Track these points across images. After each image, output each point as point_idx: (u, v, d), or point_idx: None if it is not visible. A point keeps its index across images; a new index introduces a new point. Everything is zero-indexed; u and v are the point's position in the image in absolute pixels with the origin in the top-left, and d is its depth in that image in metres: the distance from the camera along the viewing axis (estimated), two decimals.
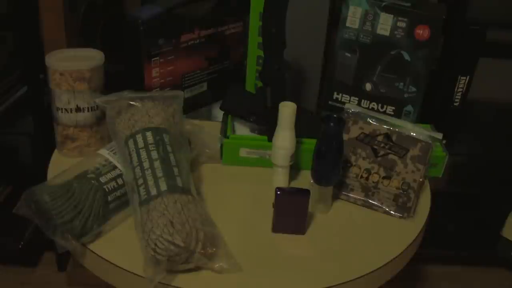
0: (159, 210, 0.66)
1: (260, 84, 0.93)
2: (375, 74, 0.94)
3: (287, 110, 0.78)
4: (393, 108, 0.95)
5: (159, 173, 0.70)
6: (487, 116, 1.43)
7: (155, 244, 0.64)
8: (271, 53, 0.83)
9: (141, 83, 0.94)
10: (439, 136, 0.88)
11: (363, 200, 0.82)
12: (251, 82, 1.00)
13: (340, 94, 0.97)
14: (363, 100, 0.96)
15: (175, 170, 0.71)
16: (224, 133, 0.89)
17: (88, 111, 0.85)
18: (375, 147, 0.84)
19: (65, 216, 0.68)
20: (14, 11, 1.07)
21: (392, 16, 0.89)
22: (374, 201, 0.82)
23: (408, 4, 0.89)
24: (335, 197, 0.83)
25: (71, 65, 0.82)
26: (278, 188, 0.73)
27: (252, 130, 0.94)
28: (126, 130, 0.75)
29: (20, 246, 1.26)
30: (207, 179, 0.85)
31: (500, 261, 1.50)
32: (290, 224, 0.75)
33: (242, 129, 0.94)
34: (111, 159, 0.75)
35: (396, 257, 0.73)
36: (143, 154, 0.72)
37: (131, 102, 0.77)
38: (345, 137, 0.85)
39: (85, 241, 0.70)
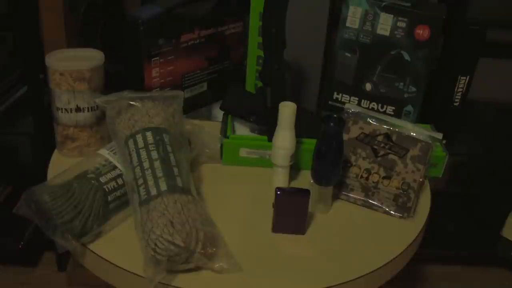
0: (159, 210, 0.66)
1: (260, 84, 0.93)
2: (375, 74, 0.94)
3: (287, 110, 0.78)
4: (393, 108, 0.95)
5: (159, 173, 0.70)
6: (487, 116, 1.43)
7: (155, 244, 0.64)
8: (271, 53, 0.83)
9: (141, 83, 0.94)
10: (439, 136, 0.88)
11: (363, 200, 0.82)
12: (251, 82, 1.00)
13: (340, 94, 0.97)
14: (363, 100, 0.96)
15: (175, 170, 0.71)
16: (224, 133, 0.89)
17: (88, 111, 0.85)
18: (375, 147, 0.84)
19: (65, 216, 0.68)
20: (14, 11, 1.07)
21: (392, 16, 0.89)
22: (374, 201, 0.82)
23: (408, 4, 0.89)
24: (335, 197, 0.83)
25: (71, 65, 0.82)
26: (278, 188, 0.73)
27: (252, 130, 0.94)
28: (126, 130, 0.75)
29: (20, 246, 1.26)
30: (207, 179, 0.85)
31: (500, 261, 1.50)
32: (290, 224, 0.75)
33: (242, 129, 0.94)
34: (111, 159, 0.75)
35: (396, 257, 0.73)
36: (143, 154, 0.72)
37: (131, 102, 0.77)
38: (345, 137, 0.85)
39: (85, 241, 0.70)
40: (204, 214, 0.70)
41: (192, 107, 1.04)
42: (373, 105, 0.96)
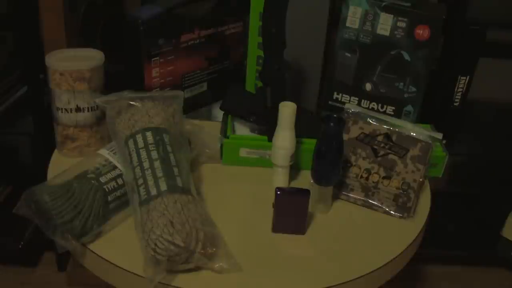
0: (159, 210, 0.66)
1: (260, 84, 0.93)
2: (375, 74, 0.94)
3: (287, 110, 0.78)
4: (393, 108, 0.95)
5: (159, 173, 0.70)
6: (487, 116, 1.43)
7: (155, 244, 0.64)
8: (271, 53, 0.83)
9: (141, 83, 0.94)
10: (439, 136, 0.88)
11: (363, 200, 0.82)
12: (251, 82, 1.00)
13: (340, 94, 0.97)
14: (363, 100, 0.96)
15: (175, 170, 0.71)
16: (224, 133, 0.89)
17: (88, 111, 0.85)
18: (375, 147, 0.84)
19: (65, 216, 0.68)
20: (14, 11, 1.07)
21: (392, 16, 0.89)
22: (374, 201, 0.82)
23: (408, 4, 0.89)
24: (335, 197, 0.83)
25: (71, 65, 0.82)
26: (278, 188, 0.73)
27: (252, 130, 0.94)
28: (126, 130, 0.75)
29: (20, 246, 1.26)
30: (207, 179, 0.85)
31: (500, 261, 1.50)
32: (290, 224, 0.75)
33: (242, 129, 0.94)
34: (111, 159, 0.75)
35: (396, 257, 0.73)
36: (143, 154, 0.72)
37: (131, 102, 0.77)
38: (345, 137, 0.85)
39: (85, 241, 0.70)
40: (204, 214, 0.70)
41: (192, 107, 1.04)
42: (373, 105, 0.96)
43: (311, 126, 0.85)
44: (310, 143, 0.86)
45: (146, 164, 0.71)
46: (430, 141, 0.83)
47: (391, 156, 0.83)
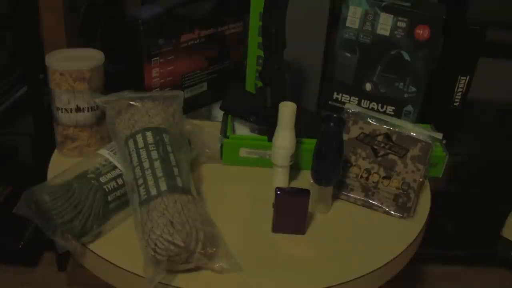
0: (159, 210, 0.66)
1: (260, 84, 0.93)
2: (375, 74, 0.94)
3: (287, 110, 0.78)
4: (393, 108, 0.95)
5: (159, 173, 0.70)
6: (487, 116, 1.43)
7: (155, 244, 0.64)
8: (271, 53, 0.83)
9: (141, 83, 0.94)
10: (439, 136, 0.88)
11: (363, 200, 0.82)
12: (251, 82, 1.00)
13: (340, 94, 0.97)
14: (363, 100, 0.96)
15: (175, 170, 0.71)
16: (224, 133, 0.89)
17: (88, 111, 0.85)
18: (375, 147, 0.84)
19: (65, 216, 0.68)
20: (14, 11, 1.07)
21: (392, 16, 0.89)
22: (374, 201, 0.82)
23: (408, 4, 0.89)
24: (335, 197, 0.83)
25: (71, 65, 0.82)
26: (278, 188, 0.73)
27: (252, 130, 0.94)
28: (126, 130, 0.75)
29: (20, 246, 1.26)
30: (207, 179, 0.85)
31: (500, 261, 1.50)
32: (290, 224, 0.75)
33: (242, 129, 0.94)
34: (111, 159, 0.75)
35: (396, 257, 0.73)
36: (143, 154, 0.72)
37: (131, 102, 0.77)
38: (345, 137, 0.85)
39: (85, 241, 0.70)
40: (204, 214, 0.70)
41: (192, 107, 1.04)
42: (373, 105, 0.96)
43: (311, 126, 0.85)
44: (310, 143, 0.86)
45: (146, 164, 0.71)
46: (430, 141, 0.83)
47: (391, 156, 0.83)
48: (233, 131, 0.93)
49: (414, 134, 0.84)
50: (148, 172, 0.70)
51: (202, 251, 0.66)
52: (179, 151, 0.75)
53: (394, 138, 0.84)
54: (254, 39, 0.95)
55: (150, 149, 0.72)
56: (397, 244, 0.75)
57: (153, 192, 0.68)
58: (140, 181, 0.70)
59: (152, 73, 0.94)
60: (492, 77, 1.34)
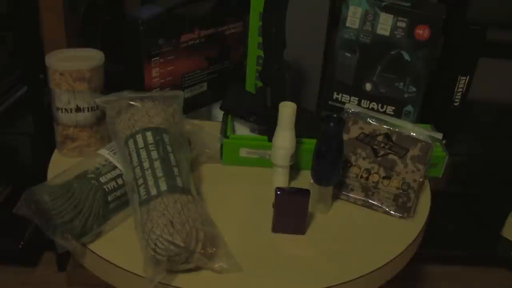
0: (159, 210, 0.66)
1: (260, 84, 0.93)
2: (375, 74, 0.94)
3: (287, 110, 0.78)
4: (393, 108, 0.95)
5: (159, 173, 0.70)
6: (487, 116, 1.43)
7: (155, 244, 0.64)
8: (271, 53, 0.83)
9: (141, 83, 0.94)
10: (439, 136, 0.88)
11: (363, 200, 0.82)
12: (251, 82, 1.00)
13: (340, 94, 0.97)
14: (363, 100, 0.96)
15: (175, 170, 0.71)
16: (224, 133, 0.89)
17: (88, 111, 0.85)
18: (375, 147, 0.84)
19: (65, 216, 0.68)
20: (14, 11, 1.07)
21: (392, 16, 0.89)
22: (374, 201, 0.82)
23: (408, 4, 0.89)
24: (335, 197, 0.83)
25: (71, 65, 0.82)
26: (278, 188, 0.73)
27: (252, 130, 0.94)
28: (126, 130, 0.75)
29: (20, 246, 1.26)
30: (207, 179, 0.85)
31: (500, 261, 1.50)
32: (290, 224, 0.75)
33: (242, 129, 0.94)
34: (111, 159, 0.75)
35: (396, 257, 0.73)
36: (143, 154, 0.72)
37: (131, 102, 0.77)
38: (345, 137, 0.85)
39: (85, 241, 0.70)
40: (204, 214, 0.70)
41: (192, 107, 1.04)
42: (373, 105, 0.96)
43: (311, 126, 0.85)
44: (310, 143, 0.86)
45: (146, 164, 0.71)
46: (430, 141, 0.83)
47: (391, 156, 0.83)
48: (233, 131, 0.93)
49: (414, 134, 0.84)
50: (148, 172, 0.70)
51: (202, 251, 0.66)
52: (179, 151, 0.75)
53: (394, 138, 0.84)
54: (254, 39, 0.95)
55: (150, 149, 0.72)
56: (397, 244, 0.75)
57: (153, 192, 0.68)
58: (140, 181, 0.70)
59: (152, 73, 0.94)
60: (492, 77, 1.34)
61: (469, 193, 1.54)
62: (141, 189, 0.69)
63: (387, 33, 0.90)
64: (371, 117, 0.86)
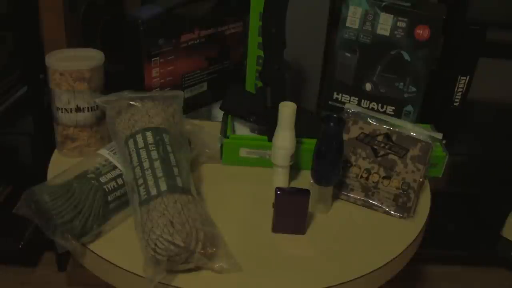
0: (159, 210, 0.66)
1: (260, 84, 0.93)
2: (375, 74, 0.94)
3: (287, 110, 0.78)
4: (393, 108, 0.95)
5: (159, 173, 0.70)
6: (487, 116, 1.43)
7: (155, 244, 0.64)
8: (271, 53, 0.83)
9: (141, 83, 0.94)
10: (439, 136, 0.88)
11: (363, 200, 0.82)
12: (251, 82, 1.00)
13: (340, 94, 0.97)
14: (363, 100, 0.96)
15: (175, 170, 0.71)
16: (224, 133, 0.89)
17: (88, 111, 0.85)
18: (375, 147, 0.84)
19: (65, 216, 0.68)
20: (14, 11, 1.07)
21: (392, 16, 0.89)
22: (374, 201, 0.82)
23: (408, 4, 0.89)
24: (335, 197, 0.83)
25: (71, 65, 0.82)
26: (278, 188, 0.73)
27: (252, 130, 0.94)
28: (126, 130, 0.75)
29: (20, 246, 1.26)
30: (207, 179, 0.85)
31: (500, 261, 1.50)
32: (290, 224, 0.75)
33: (242, 129, 0.94)
34: (111, 159, 0.75)
35: (396, 257, 0.73)
36: (143, 154, 0.72)
37: (131, 102, 0.77)
38: (345, 137, 0.85)
39: (85, 241, 0.70)
40: (204, 214, 0.70)
41: (192, 107, 1.04)
42: (373, 105, 0.96)
43: (311, 126, 0.85)
44: (310, 143, 0.86)
45: (146, 164, 0.71)
46: (430, 141, 0.83)
47: (391, 156, 0.83)
48: (233, 131, 0.93)
49: (414, 134, 0.84)
50: (148, 172, 0.70)
51: (202, 251, 0.66)
52: (179, 151, 0.75)
53: (394, 138, 0.84)
54: (254, 39, 0.95)
55: (150, 149, 0.72)
56: (397, 244, 0.75)
57: (153, 192, 0.68)
58: (140, 181, 0.70)
59: (152, 73, 0.94)
60: (492, 77, 1.35)
61: (469, 193, 1.54)
62: (141, 189, 0.69)
63: (387, 33, 0.90)
64: (371, 117, 0.86)
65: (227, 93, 0.95)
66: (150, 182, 0.69)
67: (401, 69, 0.92)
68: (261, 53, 0.92)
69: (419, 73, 0.92)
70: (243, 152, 0.88)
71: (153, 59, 0.93)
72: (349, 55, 0.94)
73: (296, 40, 0.90)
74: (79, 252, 0.70)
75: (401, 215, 0.81)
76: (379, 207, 0.82)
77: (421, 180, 0.82)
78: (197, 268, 0.67)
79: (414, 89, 0.93)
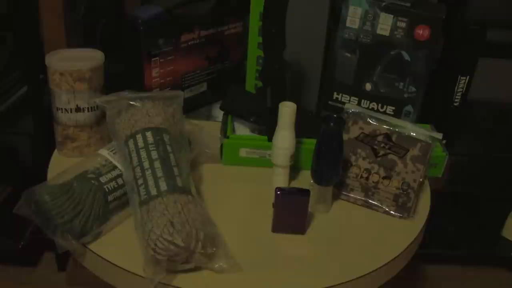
0: (159, 210, 0.66)
1: (260, 84, 0.93)
2: (375, 74, 0.94)
3: (287, 110, 0.78)
4: (393, 108, 0.95)
5: (159, 173, 0.70)
6: (487, 116, 1.43)
7: (155, 244, 0.64)
8: (271, 53, 0.83)
9: (141, 83, 0.94)
10: (439, 136, 0.88)
11: (363, 200, 0.82)
12: (251, 82, 1.00)
13: (340, 94, 0.97)
14: (363, 100, 0.96)
15: (175, 170, 0.71)
16: (224, 133, 0.89)
17: (88, 111, 0.85)
18: (375, 147, 0.84)
19: (65, 216, 0.68)
20: (14, 11, 1.07)
21: (392, 16, 0.89)
22: (374, 201, 0.82)
23: (408, 4, 0.89)
24: (335, 197, 0.83)
25: (71, 65, 0.82)
26: (278, 188, 0.73)
27: (252, 130, 0.94)
28: (126, 130, 0.75)
29: (20, 246, 1.26)
30: (207, 179, 0.85)
31: (500, 261, 1.50)
32: (290, 224, 0.75)
33: (242, 129, 0.94)
34: (111, 159, 0.75)
35: (396, 257, 0.73)
36: (143, 154, 0.72)
37: (131, 102, 0.77)
38: (345, 137, 0.85)
39: (85, 241, 0.70)
40: (204, 214, 0.70)
41: (192, 107, 1.04)
42: (373, 105, 0.96)
43: (311, 126, 0.85)
44: (310, 143, 0.86)
45: (146, 164, 0.71)
46: (430, 141, 0.83)
47: (391, 156, 0.83)
48: (233, 131, 0.93)
49: (414, 134, 0.84)
50: (148, 172, 0.70)
51: (202, 251, 0.66)
52: (179, 151, 0.75)
53: (394, 138, 0.84)
54: (254, 39, 0.95)
55: (150, 149, 0.72)
56: (397, 244, 0.75)
57: (153, 192, 0.68)
58: (140, 181, 0.70)
59: (152, 73, 0.94)
60: (492, 77, 1.35)
61: (469, 193, 1.54)
62: (141, 189, 0.69)
63: (387, 33, 0.90)
64: (371, 117, 0.86)
65: (227, 93, 0.95)
66: (150, 182, 0.69)
67: (401, 69, 0.92)
68: (261, 53, 0.92)
69: (419, 73, 0.92)
70: (243, 152, 0.88)
71: (153, 59, 0.93)
72: (349, 55, 0.94)
73: (296, 40, 0.90)
74: (79, 252, 0.71)
75: (401, 215, 0.81)
76: (379, 207, 0.82)
77: (421, 180, 0.82)
78: (197, 268, 0.67)
79: (414, 89, 0.93)
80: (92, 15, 1.14)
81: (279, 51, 0.83)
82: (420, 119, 0.96)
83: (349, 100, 0.97)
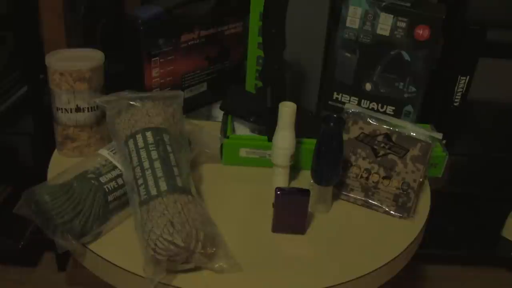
0: (159, 210, 0.66)
1: (260, 84, 0.93)
2: (375, 74, 0.94)
3: (287, 110, 0.78)
4: (393, 108, 0.95)
5: (159, 173, 0.70)
6: (487, 116, 1.43)
7: (155, 244, 0.64)
8: (271, 53, 0.83)
9: (141, 83, 0.94)
10: (439, 136, 0.88)
11: (363, 200, 0.82)
12: (251, 82, 1.00)
13: (340, 94, 0.97)
14: (363, 100, 0.96)
15: (175, 170, 0.71)
16: (224, 133, 0.89)
17: (88, 111, 0.85)
18: (375, 147, 0.84)
19: (65, 216, 0.68)
20: (14, 11, 1.07)
21: (392, 16, 0.89)
22: (374, 201, 0.82)
23: (408, 4, 0.89)
24: (335, 197, 0.83)
25: (71, 65, 0.82)
26: (278, 188, 0.73)
27: (252, 130, 0.94)
28: (126, 130, 0.75)
29: (20, 246, 1.26)
30: (207, 179, 0.85)
31: (500, 261, 1.50)
32: (290, 224, 0.75)
33: (242, 129, 0.94)
34: (111, 159, 0.75)
35: (396, 257, 0.73)
36: (143, 154, 0.72)
37: (131, 102, 0.77)
38: (345, 137, 0.85)
39: (85, 241, 0.70)
40: (204, 214, 0.70)
41: (192, 107, 1.04)
42: (373, 105, 0.96)
43: (311, 126, 0.85)
44: (310, 143, 0.86)
45: (146, 164, 0.71)
46: (430, 141, 0.83)
47: (391, 156, 0.83)
48: (233, 131, 0.93)
49: (414, 134, 0.84)
50: (148, 172, 0.70)
51: (202, 251, 0.66)
52: (179, 151, 0.75)
53: (394, 138, 0.84)
54: (254, 39, 0.95)
55: (150, 149, 0.72)
56: (397, 244, 0.75)
57: (153, 192, 0.68)
58: (140, 181, 0.70)
59: (152, 73, 0.94)
60: (492, 77, 1.35)
61: (469, 193, 1.54)
62: (141, 189, 0.69)
63: (387, 33, 0.90)
64: (371, 117, 0.86)
65: (227, 93, 0.95)
66: (150, 182, 0.69)
67: (401, 69, 0.92)
68: (261, 53, 0.92)
69: (419, 73, 0.92)
70: (243, 152, 0.88)
71: (153, 59, 0.93)
72: (349, 55, 0.94)
73: (296, 40, 0.90)
74: (79, 252, 0.71)
75: (401, 215, 0.81)
76: (379, 207, 0.82)
77: (421, 180, 0.82)
78: (197, 268, 0.67)
79: (414, 89, 0.93)
80: (92, 15, 1.14)
81: (279, 51, 0.83)
82: (420, 119, 0.96)
83: (349, 100, 0.97)
